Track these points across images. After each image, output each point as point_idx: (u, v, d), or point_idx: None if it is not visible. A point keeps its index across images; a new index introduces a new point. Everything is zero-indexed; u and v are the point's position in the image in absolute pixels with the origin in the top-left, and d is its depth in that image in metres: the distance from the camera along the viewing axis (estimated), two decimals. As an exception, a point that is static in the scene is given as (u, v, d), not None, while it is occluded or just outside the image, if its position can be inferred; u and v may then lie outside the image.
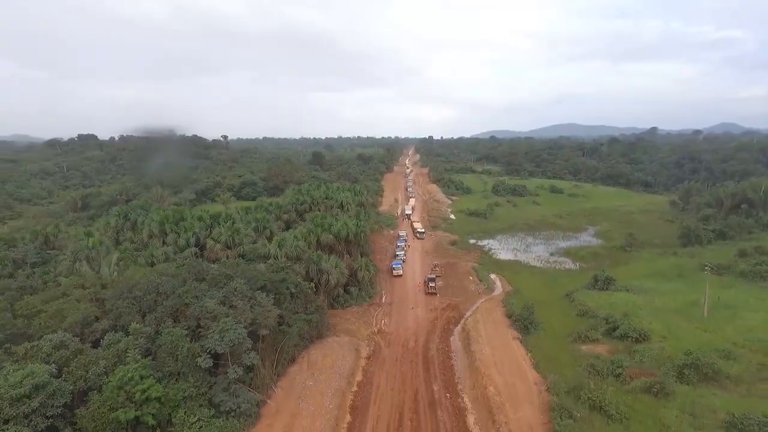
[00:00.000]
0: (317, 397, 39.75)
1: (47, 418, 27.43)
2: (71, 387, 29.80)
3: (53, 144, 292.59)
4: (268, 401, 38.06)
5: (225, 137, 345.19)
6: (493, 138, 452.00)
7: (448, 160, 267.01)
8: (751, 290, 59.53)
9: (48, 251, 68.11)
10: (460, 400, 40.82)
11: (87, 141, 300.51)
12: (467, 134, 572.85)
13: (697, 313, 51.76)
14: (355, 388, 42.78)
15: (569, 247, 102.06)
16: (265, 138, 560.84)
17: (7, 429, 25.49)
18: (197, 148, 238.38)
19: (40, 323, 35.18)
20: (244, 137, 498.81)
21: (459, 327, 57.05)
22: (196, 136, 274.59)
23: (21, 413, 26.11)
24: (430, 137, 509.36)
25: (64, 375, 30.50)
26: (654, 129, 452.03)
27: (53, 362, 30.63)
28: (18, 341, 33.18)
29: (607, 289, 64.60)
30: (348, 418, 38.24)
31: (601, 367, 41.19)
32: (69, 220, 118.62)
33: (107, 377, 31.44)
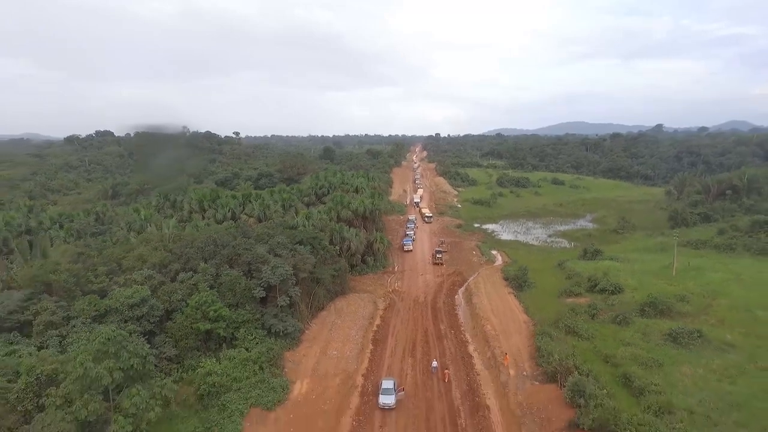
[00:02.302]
0: (345, 331, 48.68)
1: (150, 323, 36.51)
2: (161, 306, 38.86)
3: (72, 140, 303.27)
4: (306, 331, 47.09)
5: (237, 134, 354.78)
6: (499, 135, 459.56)
7: (454, 155, 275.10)
8: (719, 258, 67.66)
9: (100, 226, 77.53)
10: (462, 335, 49.45)
11: (104, 137, 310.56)
12: (474, 132, 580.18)
13: (668, 273, 60.02)
14: (374, 328, 51.42)
15: (566, 230, 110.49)
16: (273, 136, 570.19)
17: (128, 326, 34.52)
18: (210, 143, 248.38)
19: (128, 264, 44.27)
20: (253, 135, 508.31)
21: (463, 288, 65.53)
22: (209, 132, 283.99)
23: (135, 316, 35.22)
24: (437, 134, 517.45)
25: (154, 299, 39.52)
26: (659, 126, 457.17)
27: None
28: (115, 275, 42.31)
29: (594, 258, 72.94)
30: (371, 346, 46.95)
31: (579, 310, 49.67)
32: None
33: (186, 302, 40.48)
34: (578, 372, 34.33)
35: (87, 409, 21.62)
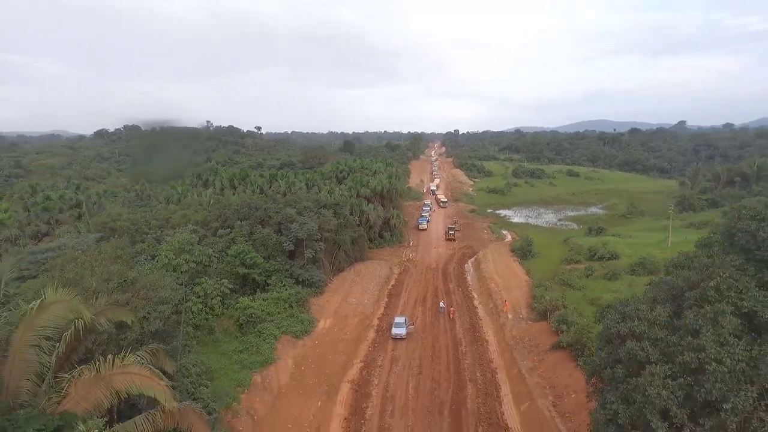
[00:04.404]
0: (363, 285, 54.53)
1: (197, 263, 42.74)
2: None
3: (101, 134, 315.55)
4: (329, 284, 53.05)
5: (259, 128, 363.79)
6: (518, 131, 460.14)
7: (472, 150, 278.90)
8: (716, 233, 71.43)
9: (140, 201, 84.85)
10: (468, 293, 54.78)
11: (132, 131, 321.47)
12: (494, 129, 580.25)
13: (664, 245, 64.29)
14: (390, 286, 57.12)
15: (576, 215, 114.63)
16: (293, 132, 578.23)
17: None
18: (233, 137, 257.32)
19: (175, 221, 50.77)
20: (273, 131, 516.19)
21: (472, 259, 70.74)
22: (232, 126, 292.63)
23: (189, 256, 41.54)
24: (456, 131, 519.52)
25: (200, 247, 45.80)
26: (681, 123, 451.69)
27: (193, 238, 46.01)
28: (165, 229, 48.84)
29: (598, 235, 77.32)
30: (386, 299, 52.66)
31: (576, 271, 54.47)
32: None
33: (225, 252, 46.65)
34: (565, 309, 39.42)
35: (177, 301, 27.70)
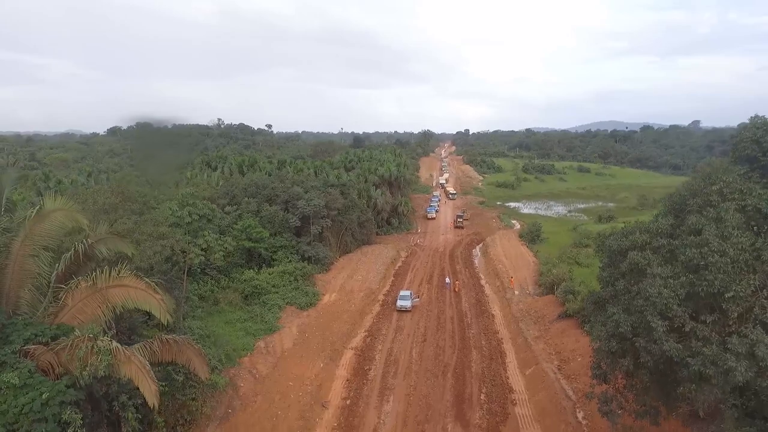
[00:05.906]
0: (369, 265, 54.42)
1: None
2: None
3: (114, 131, 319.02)
4: (335, 263, 53.01)
5: (269, 126, 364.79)
6: (528, 131, 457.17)
7: (482, 147, 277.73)
8: (729, 220, 70.37)
9: (150, 186, 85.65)
10: (475, 273, 54.49)
11: (144, 128, 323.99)
12: (504, 129, 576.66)
13: (675, 229, 63.43)
14: (396, 267, 56.99)
15: (586, 207, 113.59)
16: (304, 131, 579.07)
17: (186, 237, 40.94)
18: (244, 134, 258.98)
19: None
20: (284, 130, 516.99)
21: (480, 244, 70.33)
22: (243, 124, 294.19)
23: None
24: (467, 131, 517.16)
25: (206, 221, 45.99)
26: (696, 123, 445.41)
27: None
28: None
29: (608, 223, 76.50)
30: (392, 278, 52.50)
31: (584, 252, 53.84)
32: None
33: (232, 228, 46.78)
34: (572, 281, 38.97)
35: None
